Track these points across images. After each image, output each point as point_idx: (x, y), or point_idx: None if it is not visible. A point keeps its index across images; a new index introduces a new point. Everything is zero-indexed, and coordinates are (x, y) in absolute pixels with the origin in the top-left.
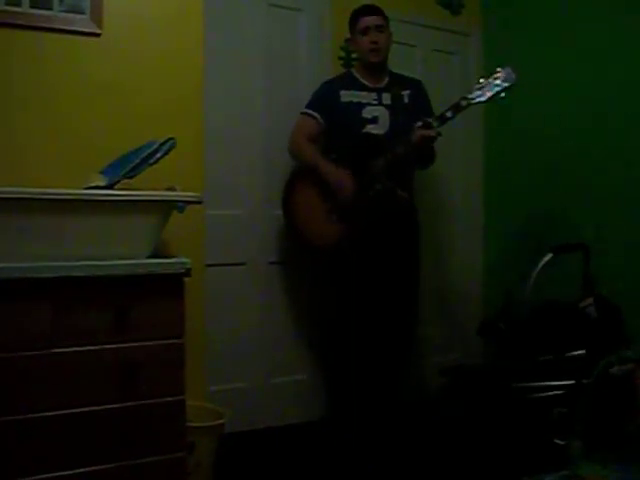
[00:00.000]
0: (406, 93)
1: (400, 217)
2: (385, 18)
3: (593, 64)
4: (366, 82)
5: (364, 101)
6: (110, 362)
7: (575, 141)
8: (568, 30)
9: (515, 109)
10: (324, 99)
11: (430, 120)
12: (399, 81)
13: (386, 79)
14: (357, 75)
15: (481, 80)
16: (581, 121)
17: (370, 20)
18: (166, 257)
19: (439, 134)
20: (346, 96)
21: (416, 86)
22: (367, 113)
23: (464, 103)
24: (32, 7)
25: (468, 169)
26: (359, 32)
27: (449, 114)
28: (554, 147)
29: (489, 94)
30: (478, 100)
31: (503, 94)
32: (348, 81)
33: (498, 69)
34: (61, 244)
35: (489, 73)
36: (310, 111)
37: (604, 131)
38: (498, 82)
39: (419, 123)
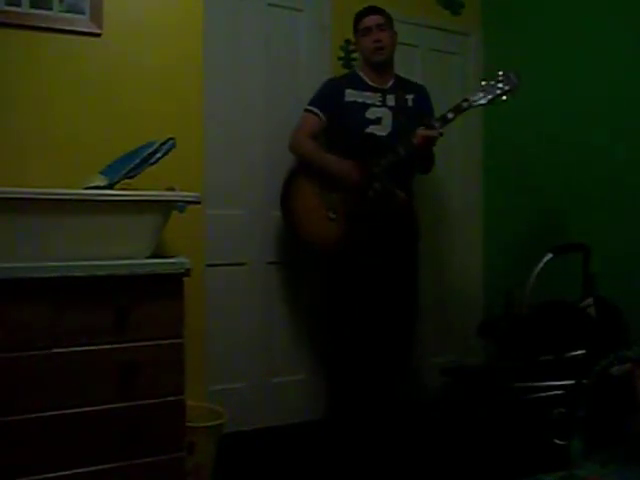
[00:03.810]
0: (410, 97)
1: (399, 217)
2: (387, 17)
3: (594, 64)
4: (371, 82)
5: (368, 102)
6: (110, 362)
7: (575, 142)
8: (568, 30)
9: (515, 110)
10: (328, 96)
11: (432, 121)
12: (404, 84)
13: (391, 80)
14: (362, 75)
15: (483, 82)
16: (582, 121)
17: (371, 20)
18: (166, 257)
19: (440, 134)
20: (351, 95)
21: (421, 91)
22: (371, 114)
23: (465, 105)
24: (32, 7)
25: (467, 170)
26: (361, 33)
27: (450, 115)
28: (554, 148)
29: (490, 97)
30: (479, 102)
31: (505, 97)
32: (354, 81)
33: (500, 72)
34: (61, 244)
35: (492, 75)
36: (312, 108)
37: (605, 131)
38: (500, 85)
39: (421, 128)
